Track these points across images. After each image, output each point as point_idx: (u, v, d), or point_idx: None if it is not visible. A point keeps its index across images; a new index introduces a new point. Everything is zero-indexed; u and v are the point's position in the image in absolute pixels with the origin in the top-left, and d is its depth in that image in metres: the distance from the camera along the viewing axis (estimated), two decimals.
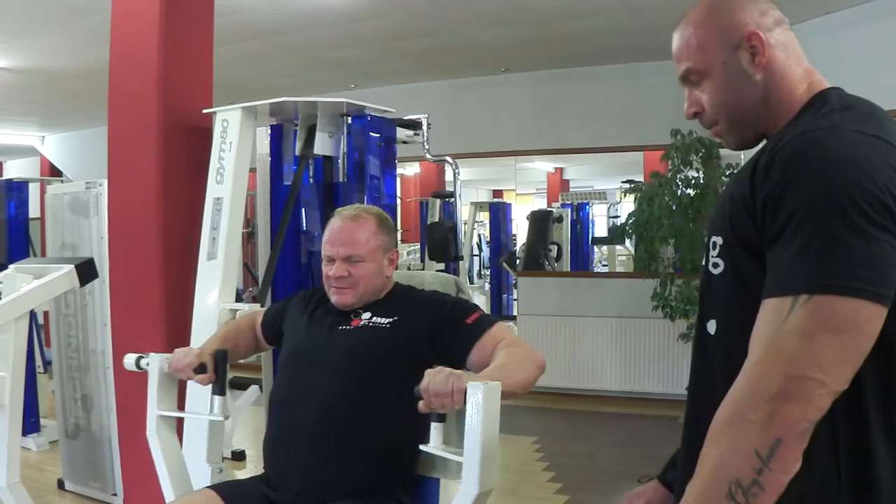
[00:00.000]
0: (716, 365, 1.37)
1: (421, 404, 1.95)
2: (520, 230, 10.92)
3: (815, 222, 1.16)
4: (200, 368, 2.47)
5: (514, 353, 2.28)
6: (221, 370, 2.52)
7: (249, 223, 7.46)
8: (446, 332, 2.43)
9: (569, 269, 9.89)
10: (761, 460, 1.13)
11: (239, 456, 5.55)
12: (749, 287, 1.27)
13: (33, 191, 6.83)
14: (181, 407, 2.84)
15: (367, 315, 2.54)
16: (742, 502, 1.14)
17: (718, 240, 1.34)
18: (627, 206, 7.69)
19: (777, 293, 1.19)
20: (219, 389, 2.52)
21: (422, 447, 2.03)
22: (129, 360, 2.67)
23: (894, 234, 1.16)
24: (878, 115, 1.30)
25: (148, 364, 2.60)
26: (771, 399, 1.14)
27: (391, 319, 2.50)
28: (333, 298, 2.57)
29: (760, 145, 1.39)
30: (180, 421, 2.75)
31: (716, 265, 1.35)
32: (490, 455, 1.89)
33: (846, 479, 1.23)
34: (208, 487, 2.48)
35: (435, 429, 2.03)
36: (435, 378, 1.95)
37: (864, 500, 1.24)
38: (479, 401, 1.87)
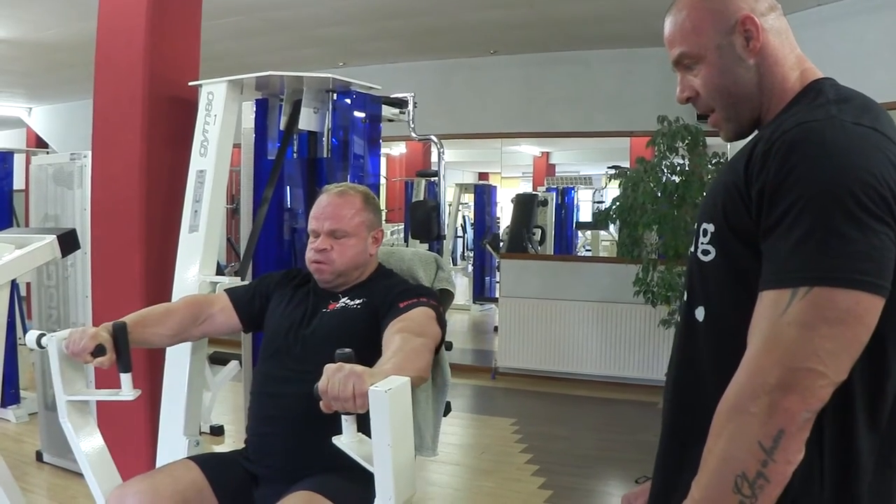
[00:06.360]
0: (705, 352, 1.37)
1: (321, 405, 1.76)
2: (504, 213, 10.92)
3: (814, 214, 1.15)
4: (98, 350, 2.26)
5: (410, 339, 2.18)
6: (123, 346, 2.32)
7: (233, 199, 7.45)
8: (383, 312, 2.42)
9: (552, 253, 9.91)
10: (765, 452, 1.14)
11: (217, 431, 5.56)
12: (740, 275, 1.28)
13: (18, 162, 6.79)
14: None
15: (345, 299, 2.56)
16: (749, 495, 1.15)
17: (710, 227, 1.33)
18: (612, 191, 7.70)
19: (775, 285, 1.18)
20: (123, 367, 2.32)
21: (334, 440, 1.83)
22: (31, 337, 2.43)
23: (891, 226, 1.16)
24: (874, 107, 1.30)
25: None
26: (771, 391, 1.14)
27: (361, 301, 2.53)
28: (316, 275, 2.59)
29: (753, 135, 1.38)
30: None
31: (706, 252, 1.34)
32: (404, 463, 1.69)
33: (829, 469, 1.24)
34: (188, 458, 2.49)
35: (345, 422, 1.80)
36: (333, 379, 1.75)
37: (846, 491, 1.25)
38: (386, 407, 1.62)
